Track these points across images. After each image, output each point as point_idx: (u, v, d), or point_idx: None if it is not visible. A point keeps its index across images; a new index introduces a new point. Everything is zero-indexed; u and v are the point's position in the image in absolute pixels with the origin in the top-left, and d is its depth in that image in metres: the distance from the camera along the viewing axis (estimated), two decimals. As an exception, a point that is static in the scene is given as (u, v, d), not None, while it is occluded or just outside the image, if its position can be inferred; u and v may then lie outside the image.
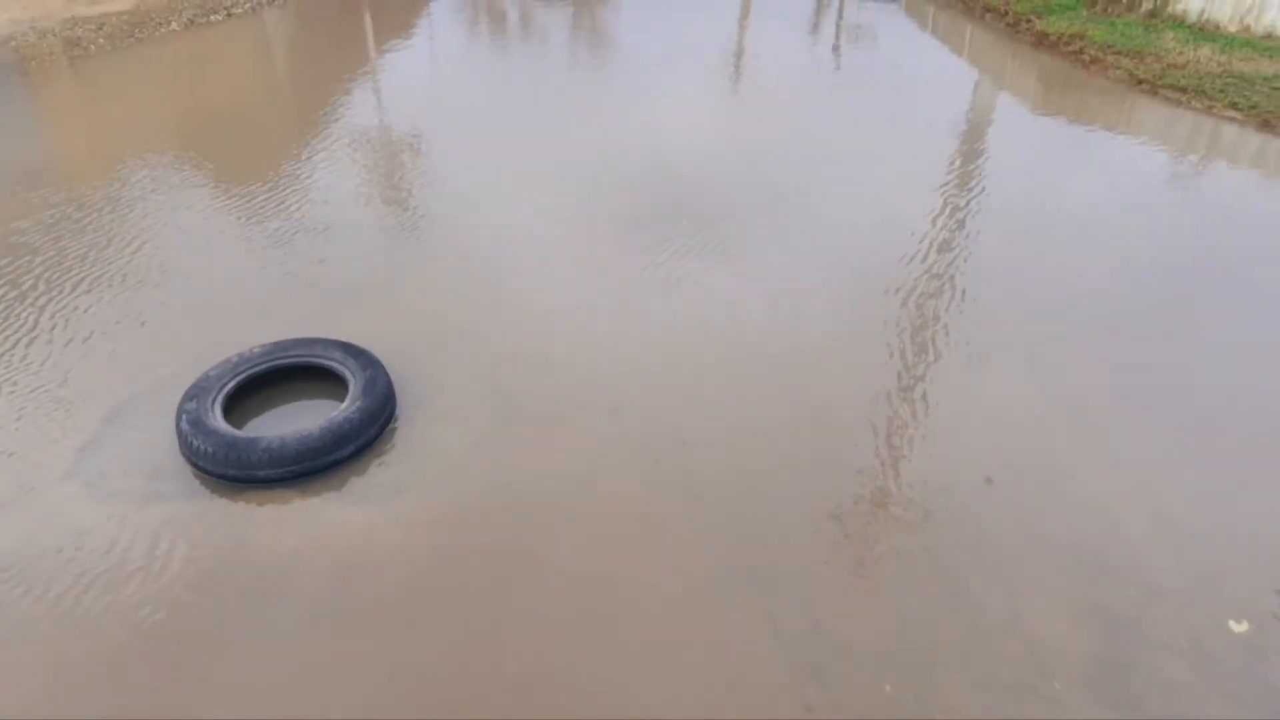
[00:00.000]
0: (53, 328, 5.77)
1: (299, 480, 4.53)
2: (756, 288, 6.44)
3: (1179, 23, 11.64)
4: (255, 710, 3.52)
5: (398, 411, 5.04)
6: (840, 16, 14.39)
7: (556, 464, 4.79)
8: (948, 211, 7.60)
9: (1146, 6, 11.97)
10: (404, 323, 5.91)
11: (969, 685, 3.69)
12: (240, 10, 12.71)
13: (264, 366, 5.01)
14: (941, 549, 4.34)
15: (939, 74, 11.81)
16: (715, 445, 4.93)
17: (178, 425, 4.58)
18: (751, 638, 3.86)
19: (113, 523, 4.30)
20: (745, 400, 5.30)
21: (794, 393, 5.38)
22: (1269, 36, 11.13)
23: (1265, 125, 9.25)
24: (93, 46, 10.99)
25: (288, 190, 7.75)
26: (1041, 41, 11.95)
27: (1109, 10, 12.18)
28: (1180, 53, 10.74)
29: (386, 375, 5.02)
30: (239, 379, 4.92)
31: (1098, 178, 8.50)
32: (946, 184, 8.12)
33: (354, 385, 4.89)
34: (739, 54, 12.56)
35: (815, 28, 14.06)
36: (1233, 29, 11.38)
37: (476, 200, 7.69)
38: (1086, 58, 11.14)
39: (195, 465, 4.55)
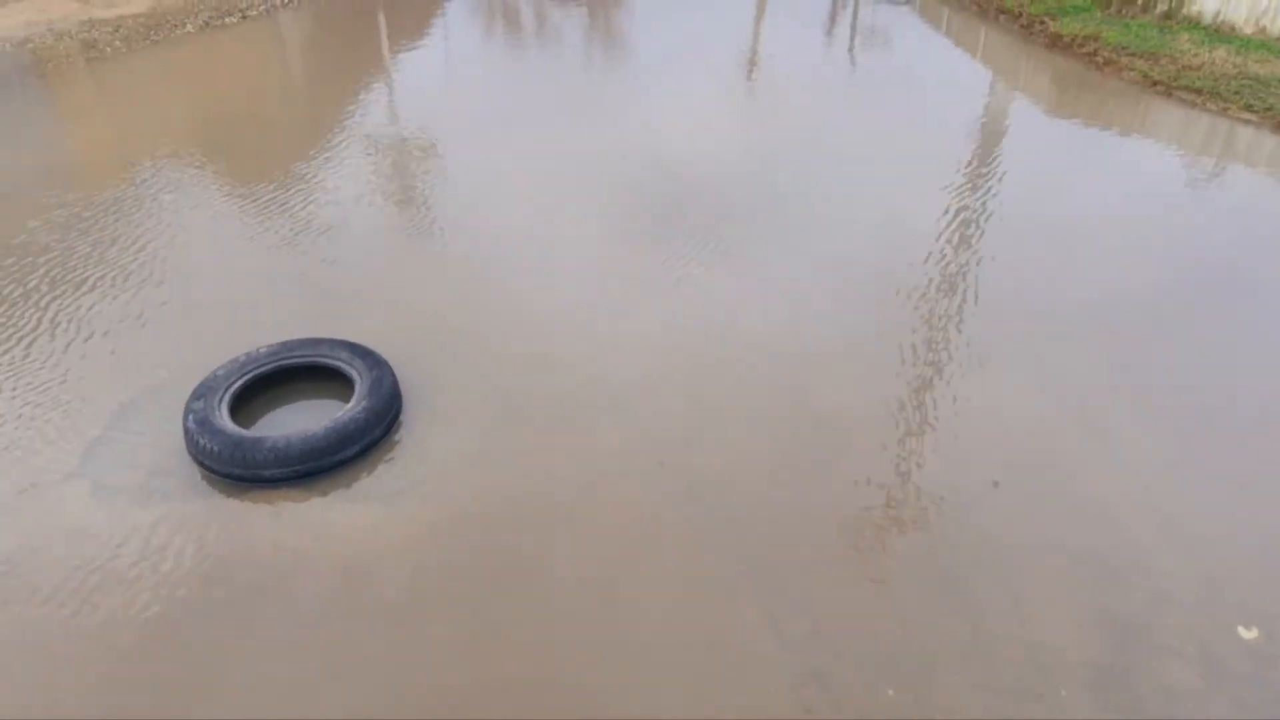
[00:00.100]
0: (59, 327, 5.82)
1: (304, 480, 4.55)
2: (763, 289, 6.43)
3: (1194, 24, 11.55)
4: (256, 710, 3.53)
5: (403, 411, 5.06)
6: (855, 18, 14.36)
7: (559, 465, 4.79)
8: (959, 213, 7.56)
9: (1161, 8, 11.88)
10: (411, 323, 5.93)
11: (972, 689, 3.67)
12: (255, 13, 12.80)
13: (271, 366, 5.03)
14: (945, 552, 4.31)
15: (953, 75, 11.76)
16: (718, 447, 4.92)
17: (184, 424, 4.61)
18: (753, 641, 3.85)
19: (117, 521, 4.33)
20: (749, 402, 5.29)
21: (798, 395, 5.36)
22: (1286, 38, 11.03)
23: (1281, 127, 9.16)
24: (109, 49, 11.09)
25: (297, 191, 7.79)
26: (1055, 43, 11.88)
27: (1123, 12, 12.09)
28: (1195, 54, 10.65)
29: (392, 375, 5.03)
30: (246, 378, 4.95)
31: (1111, 180, 8.44)
32: (958, 186, 8.08)
33: (360, 385, 4.91)
34: (752, 55, 12.54)
35: (829, 29, 14.03)
36: (1249, 31, 11.28)
37: (486, 201, 7.71)
38: (1100, 59, 11.07)
39: (202, 464, 4.57)
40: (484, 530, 4.36)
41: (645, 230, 7.21)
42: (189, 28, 11.93)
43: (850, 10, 14.92)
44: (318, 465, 4.55)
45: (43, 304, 6.05)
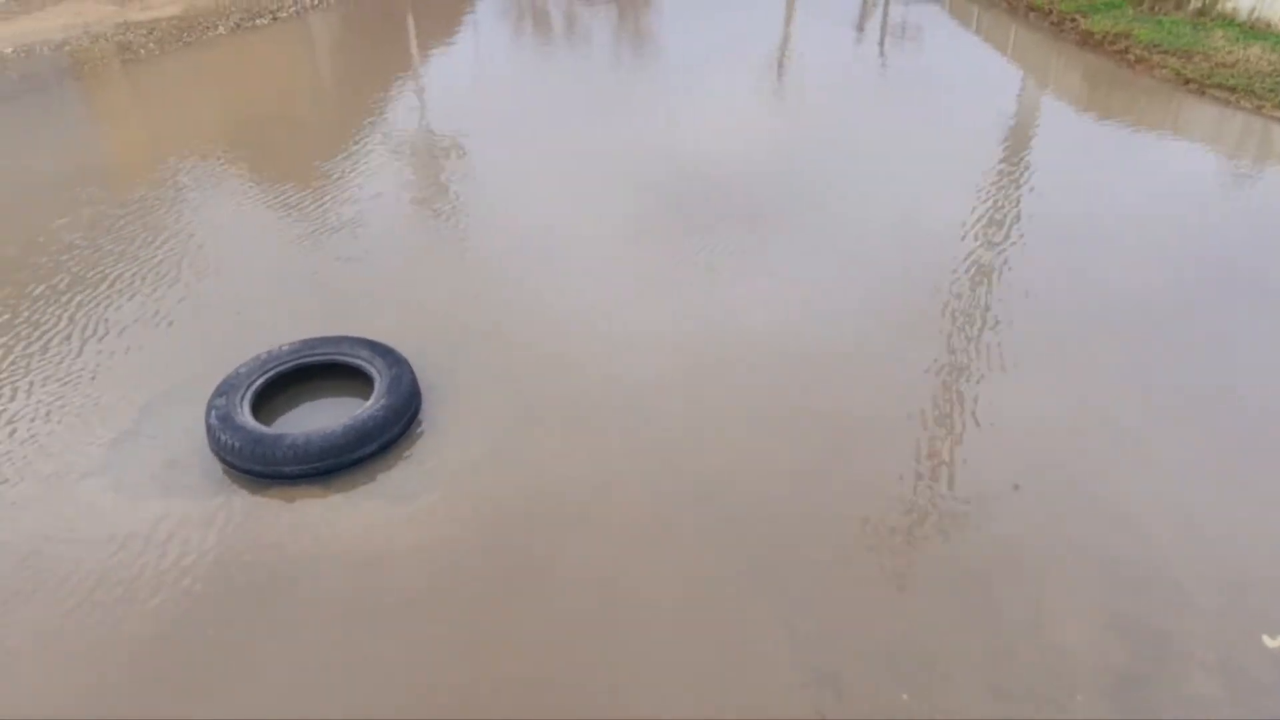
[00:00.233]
0: (83, 325, 5.93)
1: (323, 477, 4.60)
2: (785, 290, 6.40)
3: (1229, 21, 11.32)
4: (270, 703, 3.58)
5: (422, 410, 5.10)
6: (885, 17, 14.25)
7: (574, 465, 4.81)
8: (988, 213, 7.48)
9: (1195, 5, 11.67)
10: (431, 321, 5.97)
11: (987, 695, 3.63)
12: (285, 14, 12.96)
13: (292, 364, 5.10)
14: (963, 555, 4.27)
15: (982, 74, 11.64)
16: (735, 448, 4.91)
17: (207, 421, 4.68)
18: (766, 643, 3.83)
19: (139, 515, 4.40)
20: (766, 402, 5.27)
21: (819, 396, 5.33)
22: (1325, 34, 10.79)
23: (1319, 126, 8.96)
24: (143, 51, 11.29)
25: (322, 191, 7.88)
26: (1086, 40, 11.71)
27: (1156, 9, 11.89)
28: (1229, 51, 10.45)
29: (412, 373, 5.08)
30: (267, 375, 5.01)
31: (1142, 180, 8.31)
32: (988, 185, 7.99)
33: (379, 383, 4.95)
34: (782, 54, 12.49)
35: (859, 28, 13.93)
36: (1287, 27, 11.05)
37: (510, 200, 7.75)
38: (1132, 57, 10.90)
39: (223, 460, 4.64)
40: (498, 528, 4.39)
41: (667, 230, 7.21)
42: (220, 30, 12.10)
43: (880, 8, 14.81)
44: (337, 462, 4.61)
45: (69, 302, 6.16)
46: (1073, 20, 12.13)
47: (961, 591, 4.08)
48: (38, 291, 6.26)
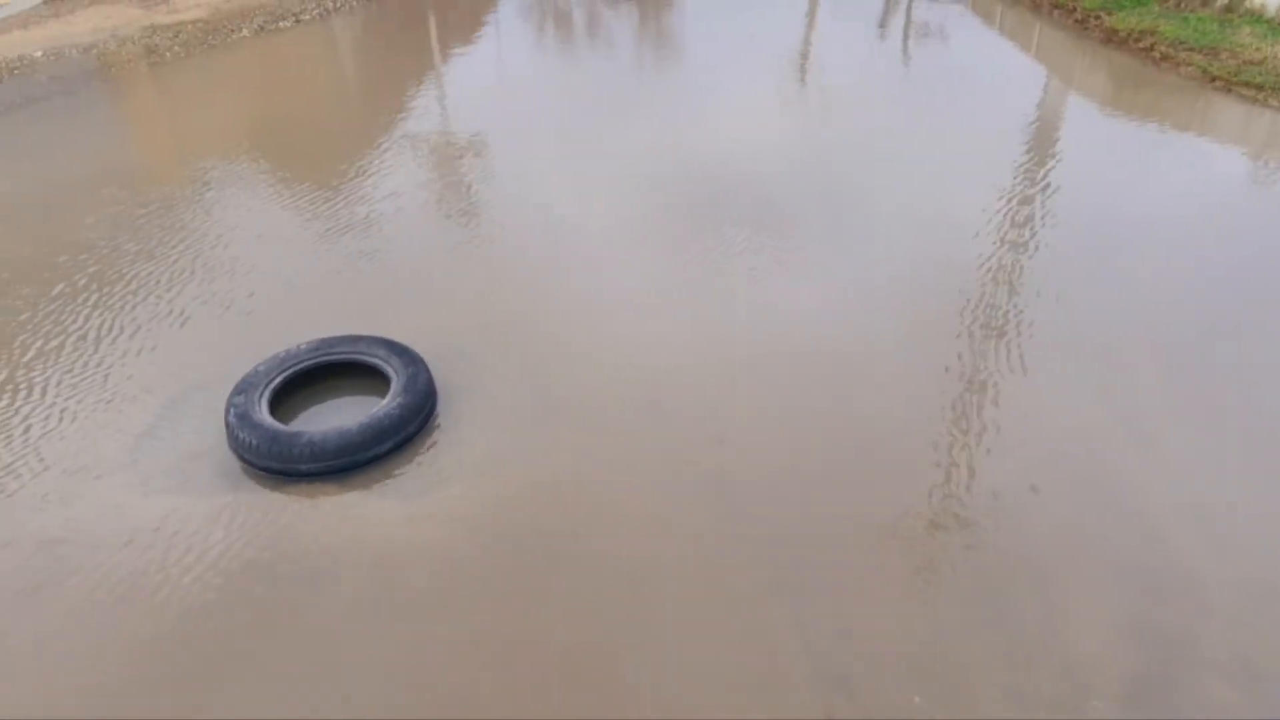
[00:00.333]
0: (105, 323, 6.01)
1: (340, 475, 4.64)
2: (807, 289, 6.37)
3: (1256, 17, 11.14)
4: (284, 698, 3.62)
5: (438, 408, 5.13)
6: (909, 17, 14.15)
7: (590, 463, 4.82)
8: (1012, 213, 7.41)
9: (1221, 1, 11.49)
10: (449, 320, 6.00)
11: (1002, 699, 3.60)
12: (308, 17, 13.07)
13: (309, 363, 5.14)
14: (981, 557, 4.24)
15: (1006, 72, 11.52)
16: (755, 447, 4.90)
17: (226, 418, 4.73)
18: (779, 643, 3.83)
19: (159, 511, 4.47)
20: (787, 402, 5.26)
21: (839, 396, 5.31)
22: (1357, 30, 10.59)
23: (1349, 124, 8.80)
24: (169, 53, 11.43)
25: (342, 191, 7.94)
26: (1110, 38, 11.57)
27: (1181, 5, 11.72)
28: (1257, 49, 10.28)
29: (428, 372, 5.11)
30: (286, 374, 5.06)
31: (1169, 178, 8.20)
32: (1012, 185, 7.92)
33: (395, 382, 4.99)
34: (804, 53, 12.44)
35: (882, 27, 13.84)
36: (1317, 23, 10.86)
37: (530, 200, 7.77)
38: (1157, 54, 10.75)
39: (241, 458, 4.69)
40: (513, 526, 4.41)
41: (686, 230, 7.20)
42: (244, 32, 12.23)
43: (903, 7, 14.71)
44: (353, 460, 4.65)
45: (89, 301, 6.25)
46: (1097, 17, 11.99)
47: (977, 594, 4.05)
48: (59, 290, 6.36)
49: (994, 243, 6.94)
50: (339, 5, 13.66)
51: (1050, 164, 8.45)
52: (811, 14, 14.47)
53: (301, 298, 6.31)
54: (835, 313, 6.11)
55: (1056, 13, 12.99)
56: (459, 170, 8.53)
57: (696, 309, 6.14)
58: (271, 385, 4.97)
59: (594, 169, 8.47)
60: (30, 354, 5.68)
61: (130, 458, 4.81)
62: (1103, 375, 5.44)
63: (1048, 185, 7.96)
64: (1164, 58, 10.67)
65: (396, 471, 4.73)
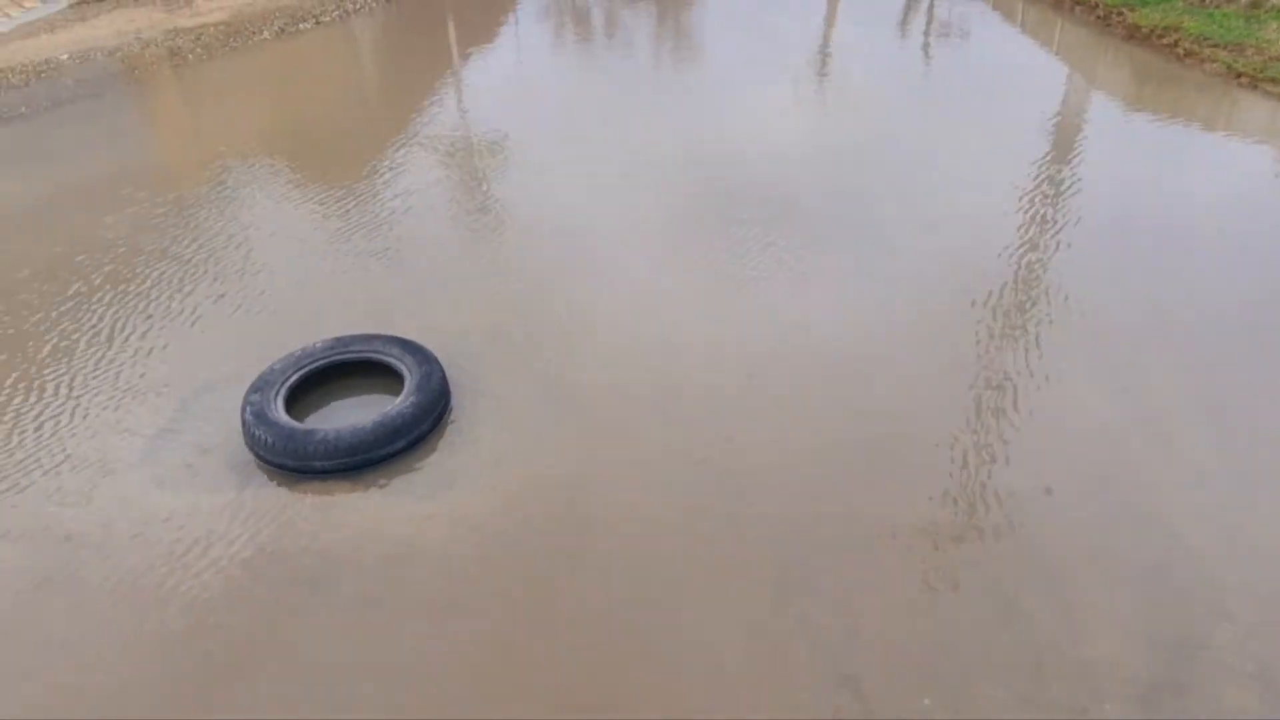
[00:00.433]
0: (123, 321, 6.09)
1: (353, 472, 4.67)
2: (824, 289, 6.35)
3: (1286, 13, 10.96)
4: (297, 695, 3.65)
5: (452, 406, 5.16)
6: (930, 16, 14.05)
7: (604, 462, 4.82)
8: (1033, 213, 7.34)
9: (1249, -4, 11.32)
10: (464, 319, 6.03)
11: (1013, 702, 3.57)
12: (328, 18, 13.18)
13: (324, 361, 5.19)
14: (993, 559, 4.21)
15: (1028, 70, 11.41)
16: (766, 446, 4.89)
17: (242, 416, 4.78)
18: (787, 643, 3.81)
19: (175, 507, 4.52)
20: (801, 404, 5.24)
21: (852, 396, 5.28)
22: (1388, 25, 10.39)
23: (1379, 120, 8.64)
24: (191, 55, 11.57)
25: (359, 190, 8.00)
26: (1134, 34, 11.43)
27: (1206, 1, 11.56)
28: (1285, 44, 10.12)
29: (441, 371, 5.14)
30: (301, 372, 5.11)
31: (1194, 177, 8.09)
32: (1033, 185, 7.84)
33: (409, 381, 5.02)
34: (824, 52, 12.39)
35: (903, 25, 13.75)
36: (1347, 18, 10.67)
37: (546, 200, 7.79)
38: (1181, 51, 10.61)
39: (257, 455, 4.74)
40: (526, 525, 4.42)
41: (702, 230, 7.19)
42: (265, 35, 12.35)
43: (924, 6, 14.61)
44: (367, 458, 4.68)
45: (108, 299, 6.33)
46: (1119, 14, 11.84)
47: (988, 595, 4.02)
48: (76, 289, 6.45)
49: (1013, 242, 6.87)
50: (358, 7, 13.76)
51: (1072, 163, 8.36)
52: (831, 12, 14.41)
53: (317, 296, 6.36)
54: (849, 312, 6.08)
55: (1078, 9, 12.85)
56: (474, 170, 8.57)
57: (710, 308, 6.13)
58: (288, 383, 5.02)
59: (610, 169, 8.48)
60: (46, 351, 5.77)
61: (144, 454, 4.88)
62: (1126, 378, 5.37)
63: (1069, 184, 7.88)
64: (1188, 54, 10.53)
65: (410, 469, 4.76)
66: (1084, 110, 9.91)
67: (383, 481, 4.68)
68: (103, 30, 12.41)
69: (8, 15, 12.87)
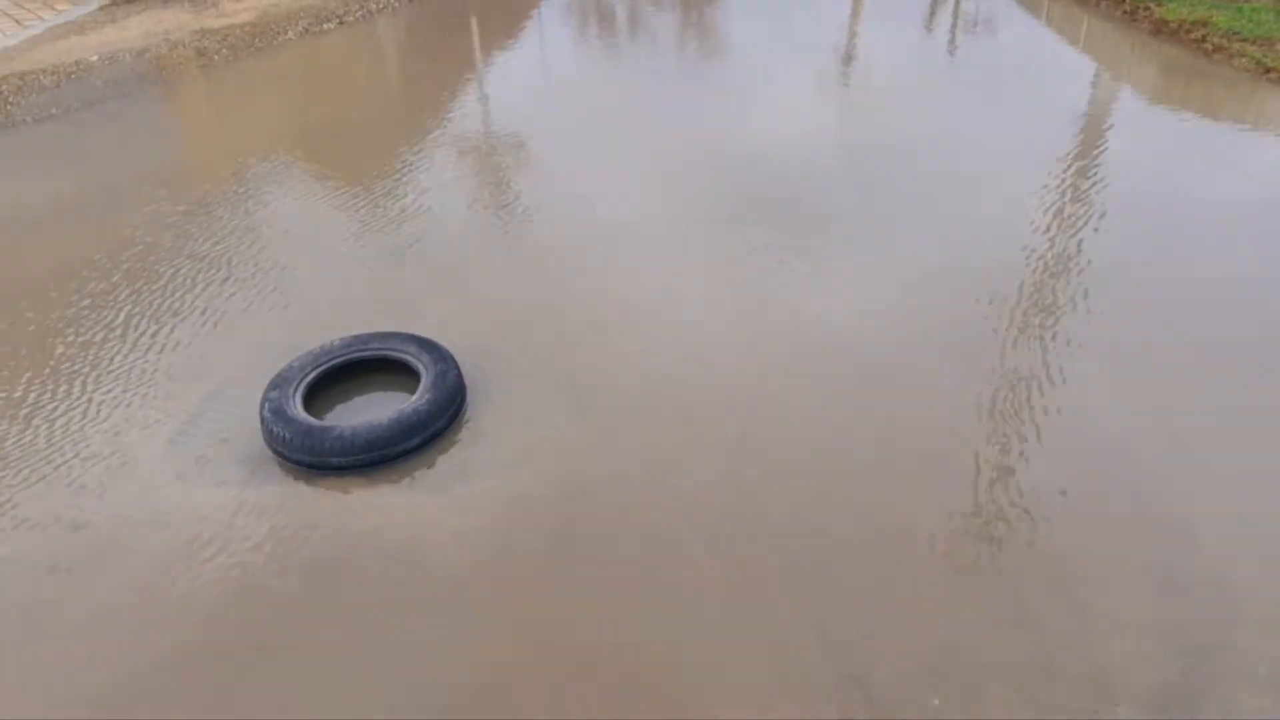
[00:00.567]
0: (144, 318, 6.19)
1: (370, 468, 4.73)
2: (845, 288, 6.33)
3: (1318, 6, 10.78)
4: (315, 687, 3.71)
5: (468, 403, 5.20)
6: (956, 10, 13.94)
7: (617, 462, 4.85)
8: (1057, 211, 7.27)
9: (1280, -10, 11.13)
10: (479, 316, 6.08)
11: (1022, 704, 3.55)
12: (352, 19, 13.30)
13: (342, 359, 5.25)
14: (1006, 560, 4.19)
15: (1053, 66, 11.30)
16: (782, 445, 4.89)
17: (260, 413, 4.85)
18: (797, 644, 3.82)
19: (194, 502, 4.60)
20: (816, 401, 5.23)
21: (868, 395, 5.27)
22: None
23: None
24: (217, 56, 11.72)
25: (380, 189, 8.07)
26: (1160, 29, 11.27)
27: (1237, -6, 11.38)
28: (1317, 39, 9.95)
29: (457, 369, 5.18)
30: (320, 369, 5.17)
31: (1221, 176, 7.97)
32: (1058, 182, 7.77)
33: (425, 378, 5.07)
34: (849, 48, 12.33)
35: (929, 21, 13.65)
36: (1382, 11, 10.46)
37: (564, 198, 7.83)
38: (1209, 46, 10.45)
39: (275, 451, 4.81)
40: (540, 521, 4.46)
41: (724, 229, 7.20)
42: (290, 35, 12.49)
43: (950, 3, 14.49)
44: (383, 455, 4.73)
45: (128, 297, 6.44)
46: (1146, 8, 11.69)
47: (1002, 597, 4.00)
48: (97, 287, 6.56)
49: (1036, 242, 6.81)
50: (382, 7, 13.87)
51: (1098, 160, 8.27)
52: (856, 8, 14.33)
53: (337, 294, 6.44)
54: (873, 313, 6.05)
55: (1104, 4, 12.70)
56: (493, 168, 8.62)
57: (729, 308, 6.13)
58: (306, 380, 5.09)
59: (631, 167, 8.50)
60: (65, 348, 5.88)
61: (162, 447, 4.96)
62: (1146, 381, 5.32)
63: (1095, 181, 7.79)
64: (1216, 49, 10.37)
65: (425, 466, 4.81)
66: (1110, 106, 9.80)
67: (398, 478, 4.73)
68: (131, 32, 12.60)
69: (40, 18, 13.11)
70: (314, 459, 4.68)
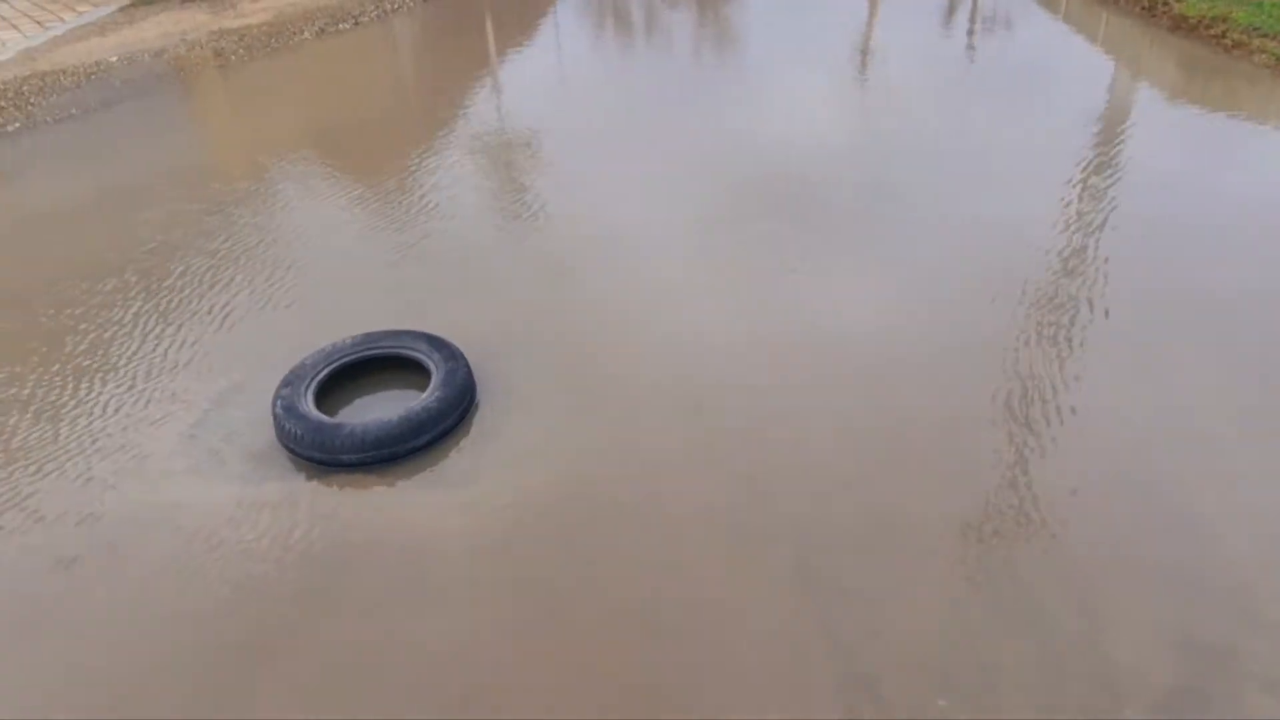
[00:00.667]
0: (159, 315, 6.25)
1: (380, 465, 4.76)
2: (859, 287, 6.30)
3: (1341, 1, 10.63)
4: (324, 683, 3.73)
5: (478, 401, 5.22)
6: (975, 8, 13.85)
7: (627, 460, 4.85)
8: (1074, 208, 7.21)
9: (1301, -15, 10.98)
10: (490, 314, 6.09)
11: (1031, 706, 3.53)
12: (367, 19, 13.38)
13: (354, 356, 5.28)
14: (1017, 559, 4.16)
15: (1071, 63, 11.23)
16: (793, 445, 4.88)
17: (273, 409, 4.89)
18: (804, 642, 3.81)
19: (207, 498, 4.64)
20: (827, 400, 5.21)
21: (880, 394, 5.25)
22: None
23: None
24: (234, 57, 11.82)
25: (393, 188, 8.12)
26: (1179, 25, 11.16)
27: (1258, -10, 11.24)
28: (1340, 34, 9.81)
29: (467, 366, 5.20)
30: (331, 367, 5.21)
31: (1241, 173, 7.88)
32: (1076, 180, 7.70)
33: (435, 376, 5.09)
34: (866, 47, 12.28)
35: (947, 19, 13.58)
36: (1406, 6, 10.30)
37: (576, 198, 7.84)
38: (1229, 42, 10.33)
39: (287, 448, 4.84)
40: (548, 519, 4.47)
41: (737, 228, 7.19)
42: (306, 35, 12.57)
43: (968, 2, 14.40)
44: (393, 451, 4.76)
45: (143, 294, 6.50)
46: (1165, 4, 11.57)
47: (1012, 597, 3.97)
48: (110, 285, 6.63)
49: (1053, 240, 6.76)
50: (397, 7, 13.94)
51: (1116, 157, 8.19)
52: (874, 6, 14.26)
53: (349, 292, 6.48)
54: (884, 313, 6.03)
55: (1123, 0, 12.58)
56: (506, 167, 8.64)
57: (739, 306, 6.12)
58: (318, 378, 5.12)
59: (644, 167, 8.49)
60: (79, 346, 5.94)
61: (175, 443, 5.01)
62: (1157, 376, 5.27)
63: (1113, 180, 7.72)
64: (1236, 45, 10.26)
65: (434, 463, 4.83)
66: (1130, 103, 9.71)
67: (408, 475, 4.75)
68: (150, 33, 12.73)
69: (61, 19, 13.26)
70: (325, 455, 4.71)
